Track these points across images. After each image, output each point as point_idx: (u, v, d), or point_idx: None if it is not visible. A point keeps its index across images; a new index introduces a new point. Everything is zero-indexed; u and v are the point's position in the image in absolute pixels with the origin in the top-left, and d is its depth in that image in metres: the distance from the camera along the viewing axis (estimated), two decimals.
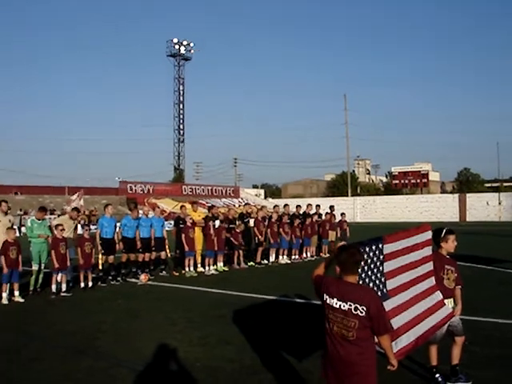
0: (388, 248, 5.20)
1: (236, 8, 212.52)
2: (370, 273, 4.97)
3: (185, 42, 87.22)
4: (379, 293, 4.93)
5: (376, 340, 4.21)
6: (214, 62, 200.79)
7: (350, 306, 4.10)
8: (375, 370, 4.14)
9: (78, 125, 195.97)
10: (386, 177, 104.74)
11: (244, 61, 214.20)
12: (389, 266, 5.20)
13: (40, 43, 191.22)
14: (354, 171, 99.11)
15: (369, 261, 4.94)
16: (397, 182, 79.17)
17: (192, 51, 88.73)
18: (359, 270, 4.58)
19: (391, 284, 5.22)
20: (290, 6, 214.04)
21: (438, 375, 6.10)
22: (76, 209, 15.45)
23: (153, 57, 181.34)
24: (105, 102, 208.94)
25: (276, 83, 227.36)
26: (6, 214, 12.66)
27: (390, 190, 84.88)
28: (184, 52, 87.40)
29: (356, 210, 69.55)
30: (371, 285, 4.96)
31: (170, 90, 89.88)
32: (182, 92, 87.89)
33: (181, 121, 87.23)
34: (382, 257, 5.11)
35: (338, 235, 21.62)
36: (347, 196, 75.37)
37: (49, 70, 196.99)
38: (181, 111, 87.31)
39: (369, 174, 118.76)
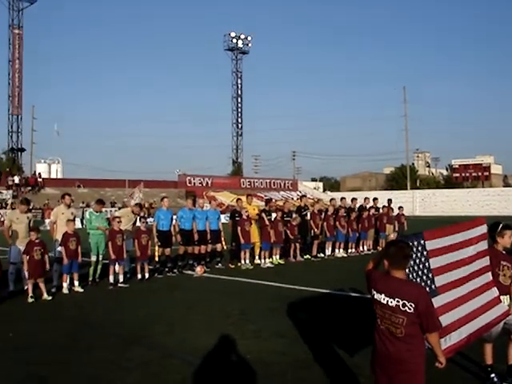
0: (431, 244, 5.06)
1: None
2: (416, 268, 4.87)
3: (242, 36, 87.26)
4: (427, 289, 4.81)
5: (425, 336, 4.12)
6: (271, 54, 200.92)
7: (398, 302, 4.01)
8: (424, 367, 4.05)
9: (137, 120, 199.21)
10: (447, 170, 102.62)
11: (302, 52, 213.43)
12: (436, 263, 5.07)
13: (106, 41, 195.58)
14: (413, 164, 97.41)
15: (413, 256, 4.83)
16: (457, 175, 77.50)
17: (249, 45, 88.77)
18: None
19: (440, 280, 5.08)
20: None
21: (493, 375, 5.89)
22: (139, 204, 15.73)
23: (211, 51, 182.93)
24: (163, 97, 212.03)
25: (334, 76, 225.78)
26: (69, 206, 12.98)
27: (450, 183, 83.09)
28: (241, 46, 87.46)
29: (415, 203, 68.33)
30: (418, 280, 4.86)
31: (228, 84, 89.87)
32: (240, 86, 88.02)
33: (239, 114, 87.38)
34: (425, 253, 4.99)
35: (396, 229, 21.29)
36: (406, 189, 74.17)
37: (112, 67, 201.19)
38: (239, 105, 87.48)
39: (428, 166, 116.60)
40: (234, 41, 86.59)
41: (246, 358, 6.93)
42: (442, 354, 4.19)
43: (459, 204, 65.19)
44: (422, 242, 5.00)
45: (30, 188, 54.60)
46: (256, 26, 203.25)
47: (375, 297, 4.18)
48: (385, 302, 4.09)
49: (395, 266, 4.15)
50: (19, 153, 66.36)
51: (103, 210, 14.25)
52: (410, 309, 3.96)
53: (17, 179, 54.33)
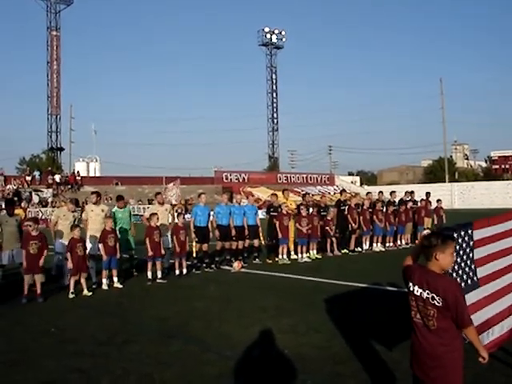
0: (478, 234, 4.97)
1: None
2: (459, 260, 4.78)
3: (276, 31, 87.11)
4: (469, 281, 4.73)
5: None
6: (306, 49, 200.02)
7: (428, 294, 4.00)
8: (461, 363, 3.97)
9: (173, 117, 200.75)
10: (486, 162, 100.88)
11: (336, 46, 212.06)
12: (479, 253, 4.97)
13: (141, 40, 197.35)
14: (451, 156, 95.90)
15: (457, 247, 4.74)
16: (497, 166, 76.19)
17: (284, 39, 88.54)
18: None
19: (482, 272, 4.98)
20: None
21: None
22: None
23: (245, 47, 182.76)
24: (198, 93, 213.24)
25: (370, 69, 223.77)
26: (97, 204, 13.21)
27: (489, 175, 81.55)
28: (276, 41, 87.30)
29: (454, 196, 67.12)
30: (460, 272, 4.76)
31: (262, 79, 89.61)
32: (274, 81, 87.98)
33: (274, 109, 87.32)
34: (471, 243, 4.89)
35: (435, 222, 21.02)
36: (444, 182, 72.95)
37: (149, 66, 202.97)
38: (274, 100, 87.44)
39: (467, 159, 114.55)
40: (268, 36, 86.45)
41: (283, 353, 6.92)
42: (483, 348, 4.09)
43: (499, 196, 63.72)
44: (470, 231, 4.90)
45: (69, 186, 55.47)
46: (290, 20, 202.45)
47: (411, 288, 4.17)
48: (418, 293, 4.09)
49: (427, 259, 4.13)
50: (58, 152, 67.68)
51: (127, 205, 14.54)
52: (438, 302, 3.94)
53: (58, 178, 55.26)
